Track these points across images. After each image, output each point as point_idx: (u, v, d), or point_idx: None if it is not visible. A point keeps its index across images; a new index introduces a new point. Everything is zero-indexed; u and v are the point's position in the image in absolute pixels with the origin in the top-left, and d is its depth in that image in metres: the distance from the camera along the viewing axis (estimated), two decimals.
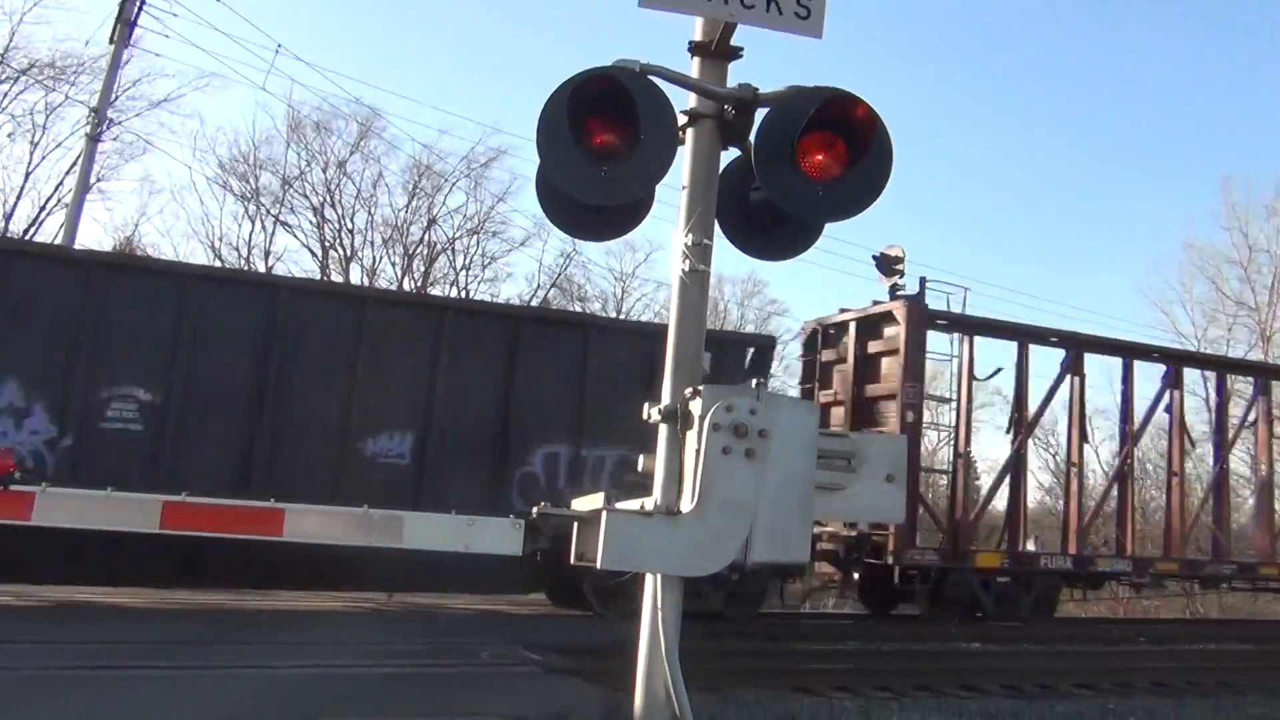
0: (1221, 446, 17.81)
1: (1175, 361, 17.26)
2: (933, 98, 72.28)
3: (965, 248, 73.18)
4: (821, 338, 16.17)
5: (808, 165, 3.60)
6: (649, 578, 3.57)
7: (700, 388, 3.49)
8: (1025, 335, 16.04)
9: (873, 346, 15.34)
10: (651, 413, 3.68)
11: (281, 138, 30.18)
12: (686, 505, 3.43)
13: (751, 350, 13.54)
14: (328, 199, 30.14)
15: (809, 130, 3.56)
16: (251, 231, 29.61)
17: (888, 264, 15.92)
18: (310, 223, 30.14)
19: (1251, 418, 18.08)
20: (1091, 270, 72.07)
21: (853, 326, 15.59)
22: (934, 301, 15.67)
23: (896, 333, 14.78)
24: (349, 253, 30.37)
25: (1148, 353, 17.14)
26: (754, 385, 3.51)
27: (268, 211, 29.63)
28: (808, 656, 11.41)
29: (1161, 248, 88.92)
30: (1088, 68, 68.86)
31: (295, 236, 30.18)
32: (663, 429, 3.65)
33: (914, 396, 14.55)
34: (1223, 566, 17.13)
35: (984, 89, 71.30)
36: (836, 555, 15.31)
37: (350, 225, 30.45)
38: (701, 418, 3.41)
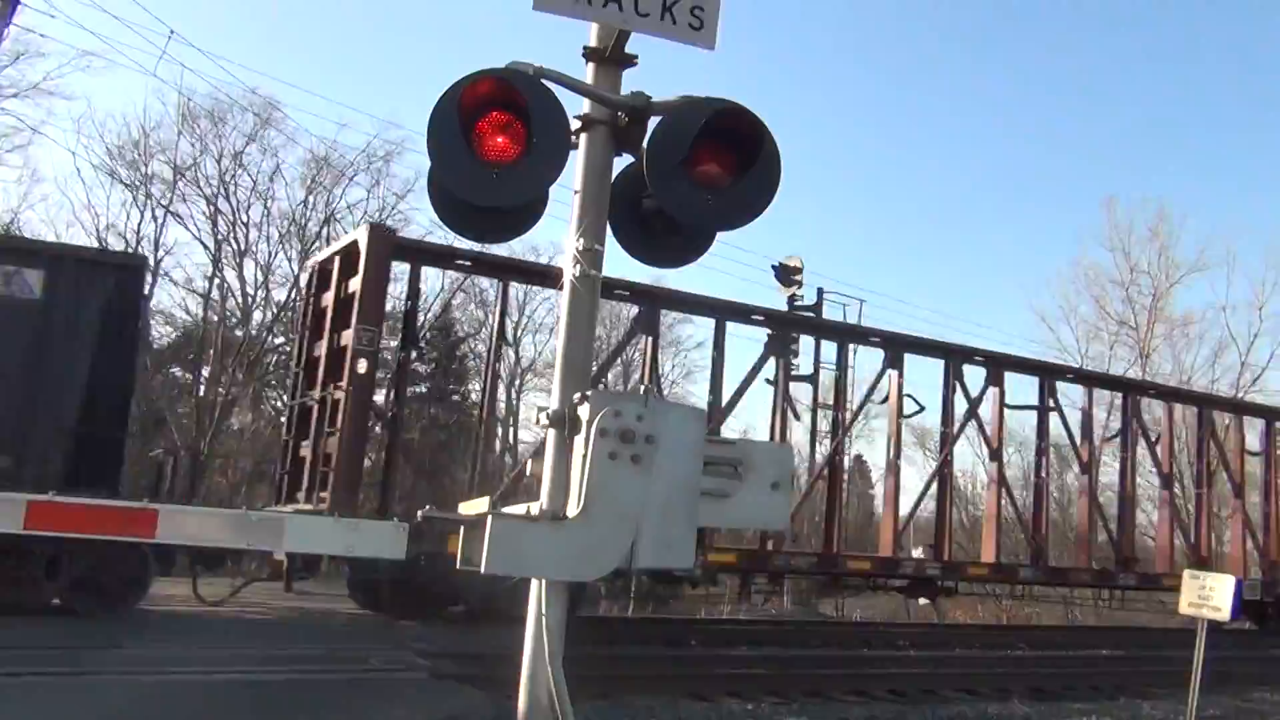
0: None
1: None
2: (847, 107, 73.90)
3: (865, 261, 74.91)
4: (317, 279, 13.64)
5: (698, 175, 3.64)
6: (533, 583, 3.56)
7: (589, 393, 3.49)
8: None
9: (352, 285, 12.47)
10: (540, 417, 3.67)
11: (173, 125, 29.22)
12: (573, 510, 3.43)
13: (114, 277, 11.60)
14: (221, 190, 29.29)
15: (700, 140, 3.60)
16: (140, 221, 28.57)
17: (786, 274, 16.20)
18: (203, 214, 29.26)
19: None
20: (989, 286, 74.49)
21: (337, 262, 12.89)
22: (830, 311, 15.99)
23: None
24: (243, 247, 29.55)
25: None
26: (643, 391, 3.52)
27: (158, 202, 28.64)
28: (704, 662, 11.49)
29: (1053, 264, 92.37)
30: (998, 85, 71.20)
31: (187, 228, 29.23)
32: (551, 433, 3.64)
33: (368, 343, 12.06)
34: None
35: (897, 105, 73.07)
36: None
37: (245, 218, 29.62)
38: (589, 423, 3.41)
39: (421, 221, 30.55)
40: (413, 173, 30.48)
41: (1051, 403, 17.36)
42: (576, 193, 3.73)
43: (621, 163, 3.95)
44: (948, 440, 16.73)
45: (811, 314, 17.15)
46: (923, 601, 25.64)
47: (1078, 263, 62.08)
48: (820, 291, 16.84)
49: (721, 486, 3.77)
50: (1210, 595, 9.78)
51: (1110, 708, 10.01)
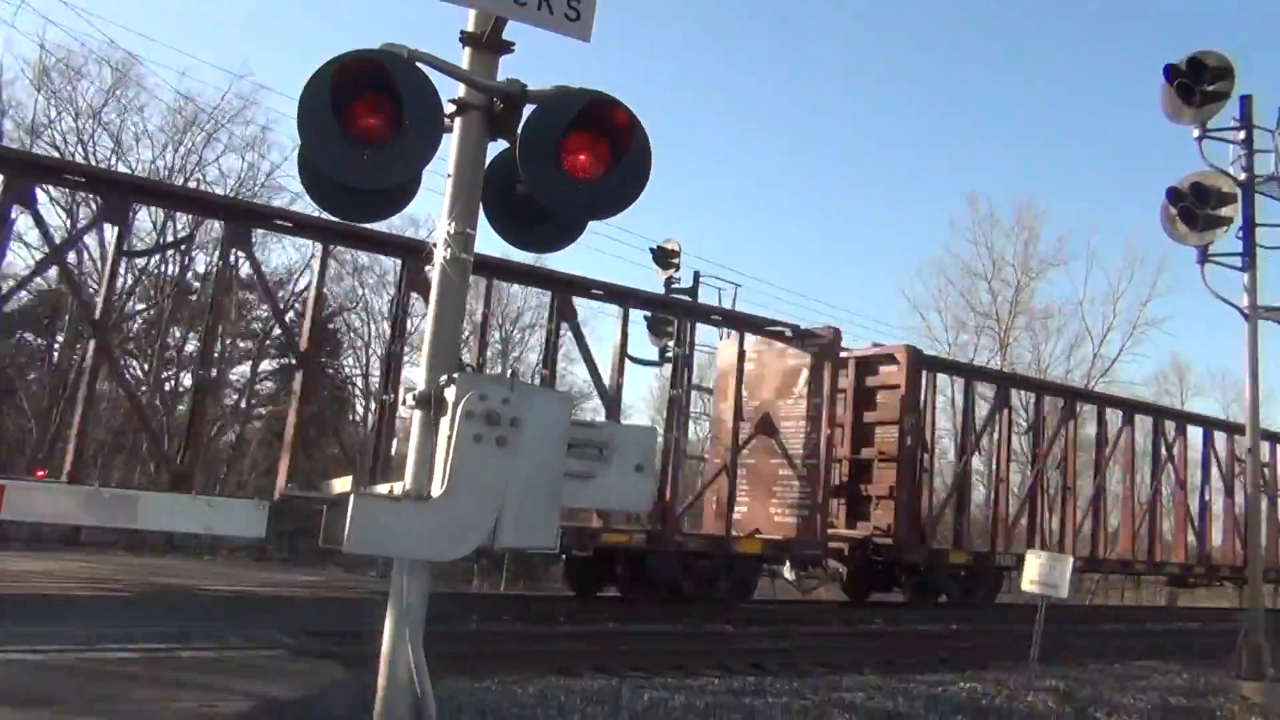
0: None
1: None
2: (736, 103, 74.71)
3: (742, 246, 76.11)
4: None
5: (570, 164, 3.70)
6: (396, 561, 3.59)
7: (455, 375, 3.53)
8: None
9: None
10: (406, 398, 3.69)
11: (28, 80, 27.67)
12: (437, 491, 3.47)
13: None
14: (79, 150, 27.89)
15: (573, 130, 3.67)
16: None
17: (664, 256, 16.37)
18: None
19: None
20: (866, 275, 76.61)
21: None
22: (706, 296, 16.27)
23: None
24: None
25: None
26: (509, 375, 3.58)
27: None
28: (571, 638, 11.63)
29: (926, 254, 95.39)
30: (875, 82, 72.97)
31: (41, 189, 27.75)
32: (416, 414, 3.67)
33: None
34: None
35: (776, 95, 74.24)
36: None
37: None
38: (455, 405, 3.45)
39: (293, 188, 29.75)
40: (287, 140, 29.61)
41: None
42: (449, 176, 3.76)
43: (497, 148, 3.99)
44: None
45: (687, 297, 17.35)
46: (789, 577, 26.36)
47: (945, 254, 64.43)
48: (696, 275, 17.12)
49: (587, 468, 3.86)
50: (1050, 574, 10.37)
51: (956, 679, 10.53)
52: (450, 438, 3.43)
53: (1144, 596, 27.13)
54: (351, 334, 34.99)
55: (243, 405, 30.87)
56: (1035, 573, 10.44)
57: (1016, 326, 45.01)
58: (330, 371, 31.64)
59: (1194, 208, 11.27)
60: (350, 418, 33.15)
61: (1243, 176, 11.43)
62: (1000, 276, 45.21)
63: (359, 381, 34.80)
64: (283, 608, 11.93)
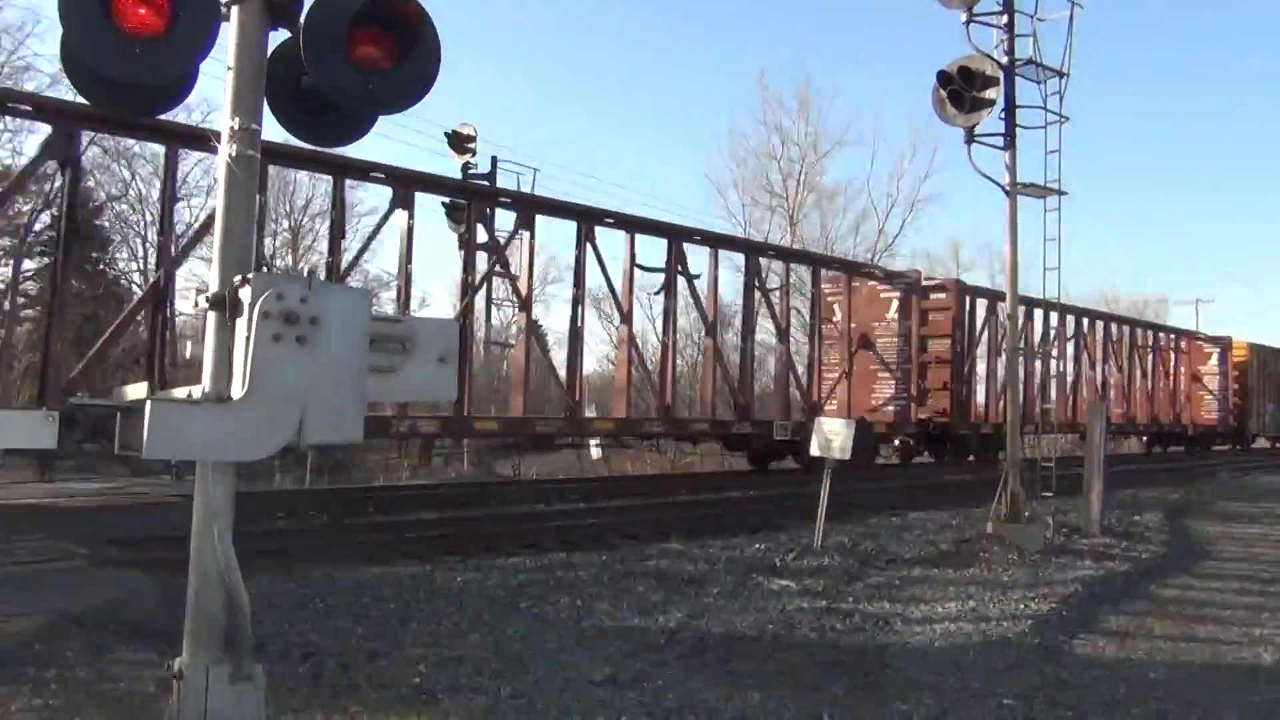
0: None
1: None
2: None
3: (544, 131, 75.02)
4: None
5: (357, 56, 3.64)
6: (199, 464, 3.58)
7: (249, 275, 3.48)
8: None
9: None
10: (199, 299, 3.62)
11: None
12: (238, 392, 3.45)
13: None
14: None
15: (359, 21, 3.59)
16: None
17: (460, 141, 16.05)
18: None
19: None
20: (668, 159, 77.14)
21: None
22: (504, 181, 16.12)
23: None
24: None
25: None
26: (306, 273, 3.56)
27: None
28: (383, 529, 11.71)
29: (724, 134, 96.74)
30: None
31: None
32: (211, 316, 3.61)
33: None
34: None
35: None
36: None
37: None
38: (251, 305, 3.42)
39: (47, 69, 27.14)
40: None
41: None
42: (230, 69, 3.62)
43: (281, 38, 3.86)
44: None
45: (486, 183, 17.15)
46: (595, 455, 27.06)
47: (734, 133, 66.21)
48: (494, 160, 16.89)
49: (389, 362, 3.92)
50: (834, 439, 11.13)
51: (753, 540, 11.30)
52: (248, 339, 3.40)
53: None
54: (124, 226, 32.72)
55: (6, 307, 28.54)
56: (823, 438, 11.18)
57: (806, 205, 46.73)
58: (103, 268, 29.61)
59: (961, 90, 11.96)
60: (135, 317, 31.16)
61: (1005, 60, 12.19)
62: (789, 156, 46.59)
63: (137, 278, 32.74)
64: (73, 518, 11.42)
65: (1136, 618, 8.71)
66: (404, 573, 8.72)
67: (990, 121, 12.26)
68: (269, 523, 11.40)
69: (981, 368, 26.54)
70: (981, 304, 26.10)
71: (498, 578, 8.71)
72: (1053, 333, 26.96)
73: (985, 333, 26.04)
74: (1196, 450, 36.88)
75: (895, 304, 24.41)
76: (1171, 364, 35.72)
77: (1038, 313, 24.73)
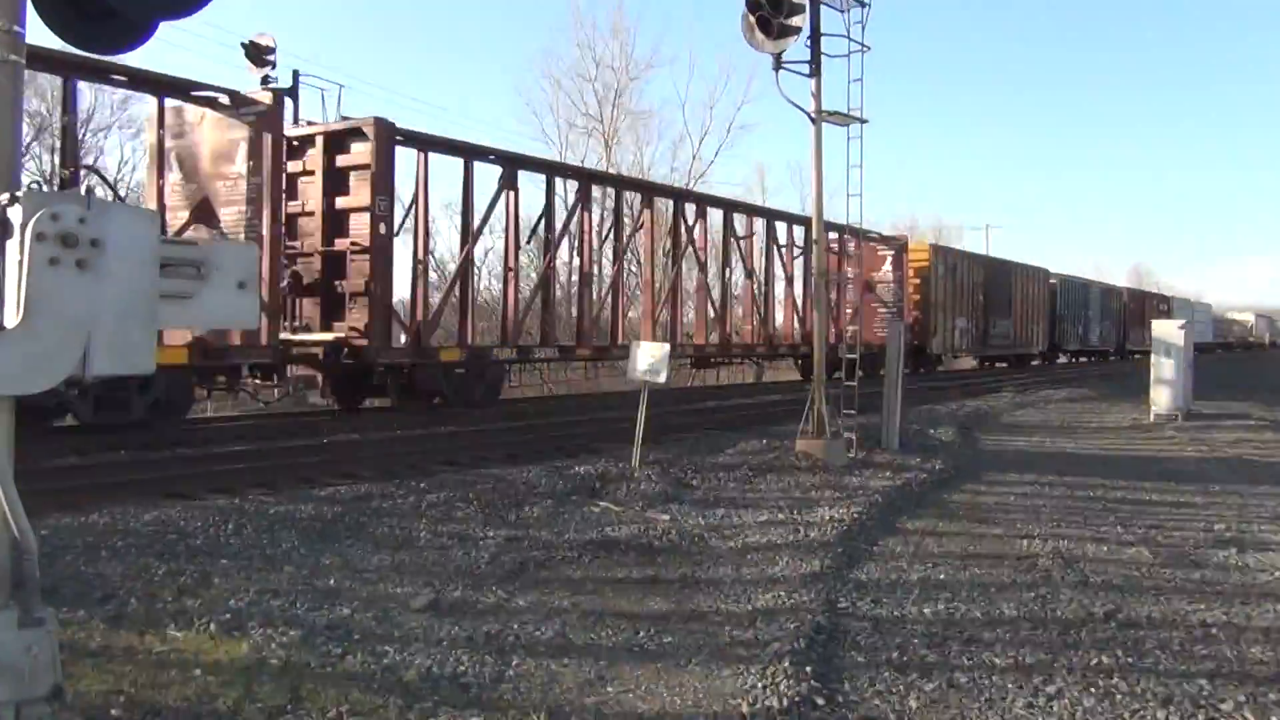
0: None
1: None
2: None
3: (350, 46, 71.68)
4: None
5: None
6: None
7: (18, 193, 3.21)
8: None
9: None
10: None
11: None
12: (11, 321, 3.20)
13: None
14: None
15: None
16: None
17: (259, 53, 15.14)
18: None
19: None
20: (484, 76, 75.08)
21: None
22: (309, 97, 15.36)
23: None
24: None
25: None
26: (83, 191, 3.31)
27: None
28: (188, 462, 11.20)
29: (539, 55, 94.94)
30: None
31: None
32: None
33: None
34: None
35: None
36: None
37: None
38: (23, 226, 3.16)
39: None
40: None
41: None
42: None
43: None
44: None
45: (290, 98, 16.32)
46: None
47: (549, 55, 65.66)
48: (296, 74, 16.05)
49: (183, 288, 3.71)
50: (651, 362, 11.33)
51: (570, 464, 11.43)
52: (21, 263, 3.14)
53: (731, 375, 30.22)
54: None
55: None
56: (641, 362, 11.36)
57: (621, 128, 46.72)
58: None
59: (770, 16, 12.14)
60: None
61: None
62: (602, 80, 46.36)
63: None
64: None
65: (929, 521, 9.33)
66: (212, 506, 8.40)
67: (797, 49, 12.52)
68: (62, 460, 10.73)
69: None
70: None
71: (312, 509, 8.51)
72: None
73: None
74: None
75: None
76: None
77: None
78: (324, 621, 5.62)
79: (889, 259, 31.61)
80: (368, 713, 4.40)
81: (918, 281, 32.79)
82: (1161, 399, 19.84)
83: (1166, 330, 20.89)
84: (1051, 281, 45.27)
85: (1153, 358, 20.31)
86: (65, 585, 5.96)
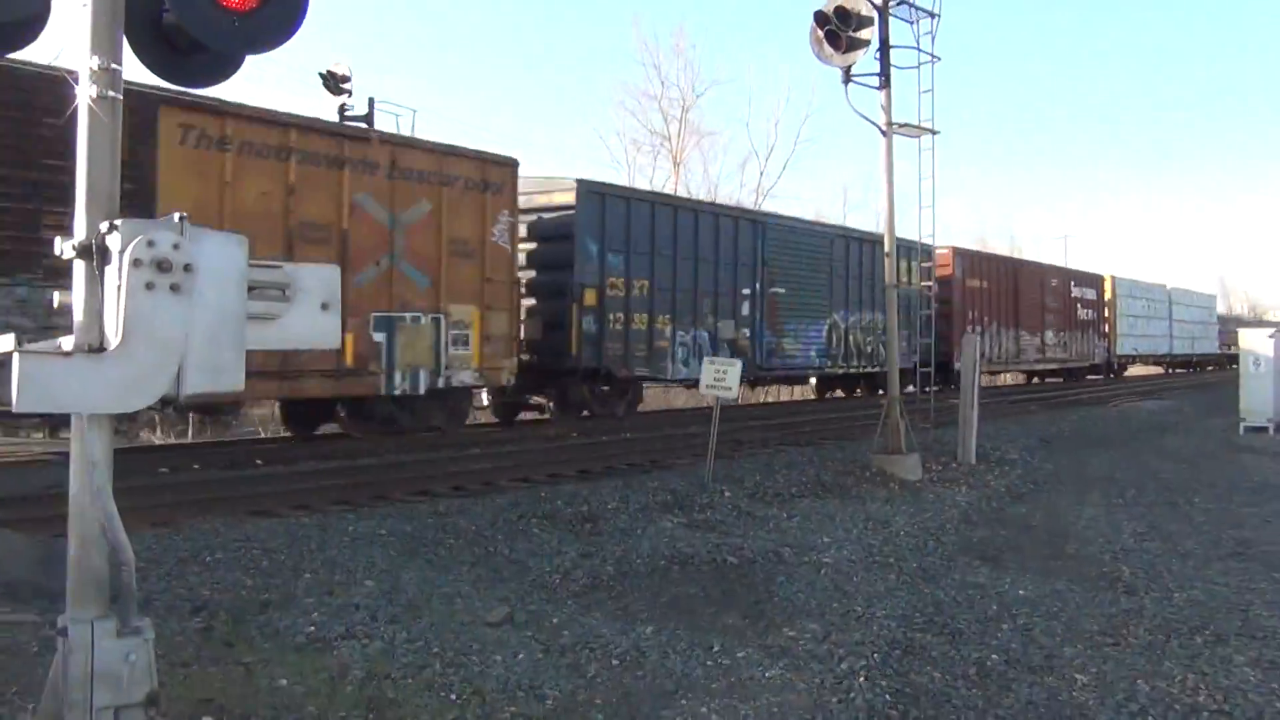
0: None
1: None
2: None
3: (428, 77, 73.32)
4: None
5: None
6: (74, 417, 3.48)
7: (117, 222, 3.38)
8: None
9: None
10: (65, 248, 3.50)
11: None
12: (112, 343, 3.37)
13: None
14: None
15: None
16: None
17: (335, 82, 15.57)
18: None
19: None
20: (555, 107, 76.38)
21: None
22: (384, 122, 15.71)
23: None
24: None
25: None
26: (178, 219, 3.47)
27: None
28: (269, 479, 11.48)
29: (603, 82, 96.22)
30: None
31: None
32: (79, 265, 3.49)
33: None
34: None
35: None
36: None
37: None
38: (121, 253, 3.33)
39: None
40: None
41: None
42: (85, 5, 3.47)
43: None
44: None
45: (364, 124, 16.71)
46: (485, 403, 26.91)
47: (616, 81, 66.48)
48: (371, 102, 16.46)
49: (270, 310, 3.87)
50: (724, 378, 11.33)
51: (643, 480, 11.47)
52: (120, 288, 3.31)
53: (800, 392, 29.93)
54: None
55: None
56: (710, 378, 11.38)
57: (687, 146, 46.83)
58: None
59: (838, 30, 12.13)
60: None
61: (879, 0, 12.39)
62: (669, 96, 46.54)
63: None
64: None
65: (1010, 540, 9.18)
66: (294, 524, 8.62)
67: (866, 62, 12.50)
68: (151, 478, 11.09)
69: None
70: None
71: (390, 525, 8.68)
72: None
73: None
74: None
75: None
76: None
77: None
78: (403, 635, 5.74)
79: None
80: None
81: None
82: (1254, 410, 19.17)
83: (1255, 340, 20.25)
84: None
85: (1242, 367, 19.69)
86: (158, 598, 6.17)
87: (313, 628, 5.76)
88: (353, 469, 12.15)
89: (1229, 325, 55.22)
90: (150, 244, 3.33)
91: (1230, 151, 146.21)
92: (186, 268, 3.37)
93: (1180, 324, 49.76)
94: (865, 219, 56.33)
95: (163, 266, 3.33)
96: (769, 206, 37.81)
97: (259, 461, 12.65)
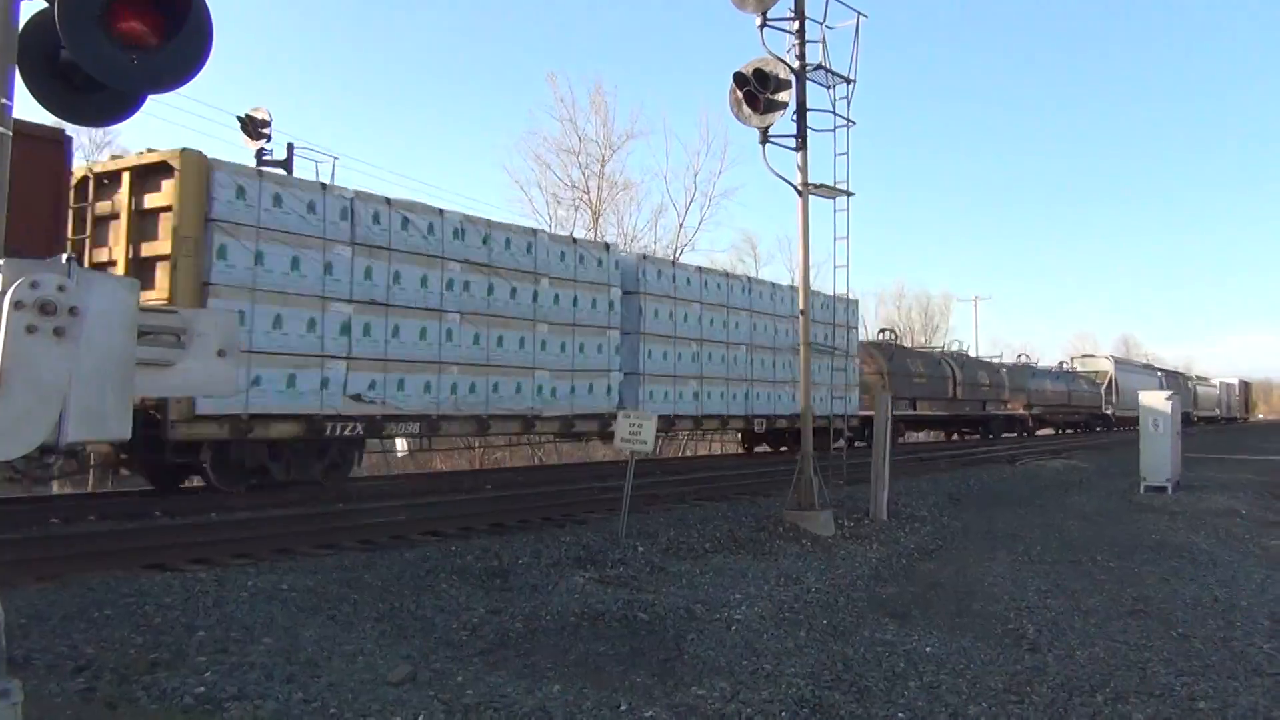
0: None
1: None
2: None
3: (345, 123, 72.99)
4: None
5: (120, 31, 3.43)
6: None
7: (0, 262, 3.24)
8: None
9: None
10: None
11: None
12: None
13: None
14: None
15: None
16: None
17: (254, 126, 15.38)
18: None
19: None
20: (474, 156, 76.63)
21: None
22: (303, 169, 15.55)
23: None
24: None
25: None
26: (65, 260, 3.35)
27: None
28: (168, 531, 11.08)
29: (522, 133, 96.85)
30: None
31: None
32: None
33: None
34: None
35: None
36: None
37: None
38: (2, 294, 3.19)
39: None
40: None
41: None
42: None
43: (33, 7, 3.60)
44: None
45: (283, 169, 16.51)
46: (401, 453, 26.53)
47: (534, 134, 67.69)
48: (290, 147, 16.29)
49: (163, 355, 3.74)
50: (639, 431, 11.31)
51: (556, 534, 11.34)
52: (0, 330, 3.17)
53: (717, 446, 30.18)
54: None
55: None
56: (625, 431, 11.35)
57: (605, 200, 47.21)
58: None
59: (756, 92, 12.38)
60: None
61: (797, 65, 12.69)
62: (585, 151, 46.93)
63: None
64: None
65: (918, 596, 9.25)
66: (188, 579, 8.30)
67: (783, 123, 12.76)
68: (43, 529, 10.62)
69: None
70: None
71: (292, 580, 8.42)
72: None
73: None
74: None
75: None
76: None
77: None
78: (300, 695, 5.53)
79: None
80: None
81: None
82: (1153, 470, 19.72)
83: (1154, 400, 20.92)
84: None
85: (1142, 428, 20.29)
86: (38, 657, 5.86)
87: (203, 688, 5.52)
88: (256, 520, 11.80)
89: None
90: (34, 285, 3.19)
91: (1130, 219, 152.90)
92: (72, 310, 3.24)
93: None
94: (776, 270, 57.22)
95: (46, 309, 3.20)
96: (688, 259, 38.17)
97: (158, 513, 12.20)
